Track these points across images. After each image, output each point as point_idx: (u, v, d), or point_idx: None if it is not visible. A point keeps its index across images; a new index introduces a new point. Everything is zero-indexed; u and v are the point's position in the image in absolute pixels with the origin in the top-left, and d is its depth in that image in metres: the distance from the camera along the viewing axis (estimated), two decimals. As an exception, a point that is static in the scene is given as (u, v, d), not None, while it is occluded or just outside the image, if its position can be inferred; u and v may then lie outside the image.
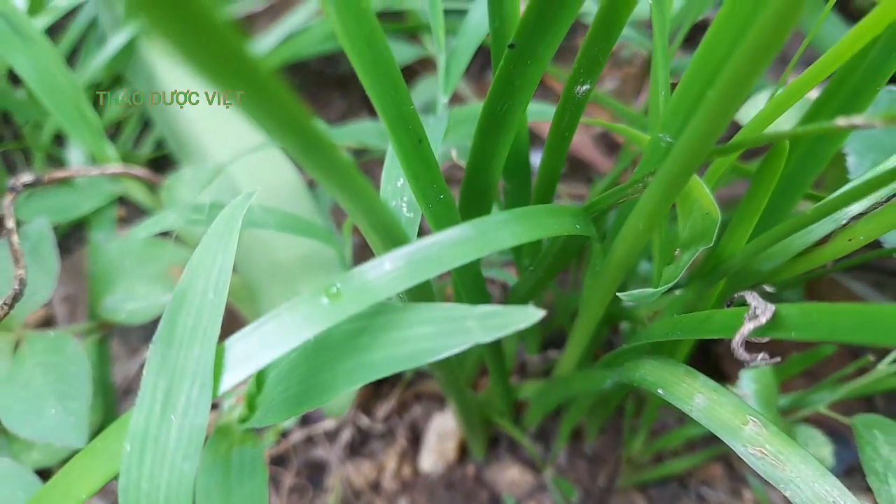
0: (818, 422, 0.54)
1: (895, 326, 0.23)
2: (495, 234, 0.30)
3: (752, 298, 0.28)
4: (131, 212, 0.76)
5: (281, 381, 0.32)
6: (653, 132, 0.34)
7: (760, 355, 0.30)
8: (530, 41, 0.32)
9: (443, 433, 0.64)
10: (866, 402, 0.64)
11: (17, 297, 0.41)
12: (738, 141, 0.31)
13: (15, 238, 0.49)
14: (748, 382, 0.45)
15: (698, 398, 0.33)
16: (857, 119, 0.23)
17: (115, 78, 0.77)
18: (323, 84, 0.89)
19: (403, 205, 0.38)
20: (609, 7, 0.30)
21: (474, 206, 0.44)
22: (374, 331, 0.29)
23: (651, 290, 0.32)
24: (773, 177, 0.33)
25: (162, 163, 0.78)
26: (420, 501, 0.62)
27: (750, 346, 0.30)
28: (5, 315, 0.39)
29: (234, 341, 0.28)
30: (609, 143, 0.79)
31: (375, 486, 0.63)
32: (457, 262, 0.29)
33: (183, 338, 0.28)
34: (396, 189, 0.38)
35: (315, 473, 0.63)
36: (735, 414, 0.33)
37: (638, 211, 0.32)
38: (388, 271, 0.28)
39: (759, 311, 0.27)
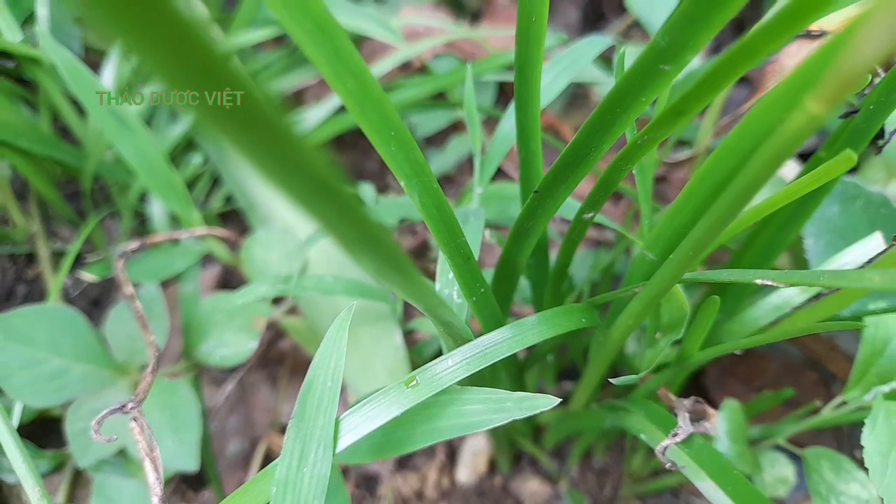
0: (800, 443, 0.65)
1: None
2: (526, 334, 0.42)
3: (681, 417, 0.40)
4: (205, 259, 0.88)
5: (370, 435, 0.44)
6: (638, 253, 0.46)
7: (670, 463, 0.41)
8: (551, 188, 0.44)
9: (475, 450, 0.76)
10: (835, 430, 0.75)
11: (158, 363, 0.53)
12: (705, 279, 0.42)
13: (138, 304, 0.61)
14: (721, 422, 0.56)
15: (665, 442, 0.45)
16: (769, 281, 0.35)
17: (188, 142, 0.89)
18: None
19: (454, 293, 0.50)
20: (607, 175, 0.41)
21: (507, 279, 0.56)
22: (441, 406, 0.41)
23: (635, 376, 0.44)
24: (710, 318, 0.44)
25: (231, 216, 0.90)
26: (457, 507, 0.74)
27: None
28: (153, 379, 0.51)
29: (346, 416, 0.40)
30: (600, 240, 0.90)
31: (419, 495, 0.75)
32: (499, 357, 0.41)
33: (311, 413, 0.40)
34: (448, 280, 0.50)
35: (369, 484, 0.76)
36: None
37: (628, 311, 0.44)
38: (450, 367, 0.40)
39: (681, 431, 0.39)
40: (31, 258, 0.87)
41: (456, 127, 0.95)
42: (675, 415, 0.45)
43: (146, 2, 0.13)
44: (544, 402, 0.38)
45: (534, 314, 0.45)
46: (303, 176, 0.20)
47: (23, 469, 0.55)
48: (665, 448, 0.40)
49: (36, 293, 0.86)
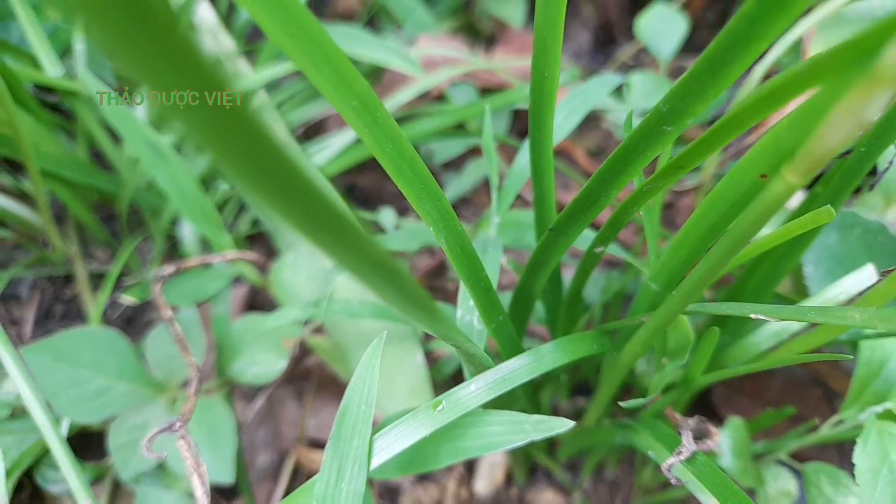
0: (806, 457, 0.68)
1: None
2: (543, 360, 0.46)
3: (685, 436, 0.44)
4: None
5: (400, 453, 0.48)
6: (645, 280, 0.50)
7: (675, 479, 0.45)
8: (564, 226, 0.47)
9: (493, 463, 0.80)
10: (839, 445, 0.78)
11: (200, 384, 0.57)
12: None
13: (178, 328, 0.65)
14: (725, 439, 0.60)
15: (671, 460, 0.49)
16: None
17: (217, 169, 0.94)
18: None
19: (474, 319, 0.53)
20: (616, 216, 0.45)
21: (523, 305, 0.59)
22: (464, 427, 0.45)
23: (642, 399, 0.48)
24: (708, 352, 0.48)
25: (258, 238, 0.95)
26: (475, 517, 0.78)
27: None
28: (196, 400, 0.55)
29: (378, 437, 0.44)
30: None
31: (439, 505, 0.79)
32: (518, 382, 0.45)
33: (347, 435, 0.43)
34: (469, 307, 0.54)
35: (392, 495, 0.79)
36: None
37: (636, 339, 0.48)
38: (472, 392, 0.44)
39: (685, 450, 0.42)
40: (67, 279, 0.92)
41: (473, 152, 0.99)
42: (680, 434, 0.48)
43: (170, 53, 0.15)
44: (559, 425, 0.42)
45: (550, 341, 0.48)
46: (320, 221, 0.22)
47: (75, 481, 0.59)
48: (670, 466, 0.43)
49: (73, 312, 0.91)
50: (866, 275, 0.52)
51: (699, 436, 0.49)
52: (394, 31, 1.09)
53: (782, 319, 0.36)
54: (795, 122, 0.30)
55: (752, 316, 0.37)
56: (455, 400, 0.44)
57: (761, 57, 0.68)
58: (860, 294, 0.49)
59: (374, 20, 1.15)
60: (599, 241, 0.49)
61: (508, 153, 1.02)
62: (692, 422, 0.49)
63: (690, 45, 1.23)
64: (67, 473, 0.61)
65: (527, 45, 1.10)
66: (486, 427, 0.45)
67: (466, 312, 0.54)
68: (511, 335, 0.53)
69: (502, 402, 0.50)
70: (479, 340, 0.52)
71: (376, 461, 0.43)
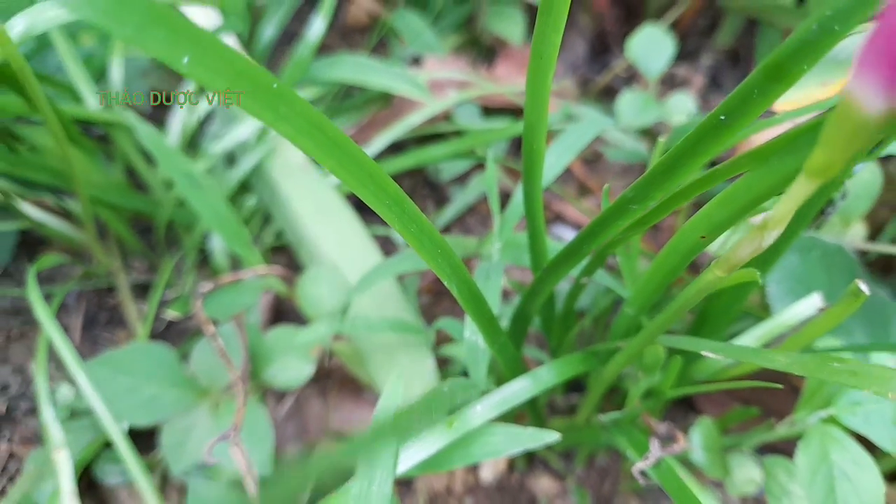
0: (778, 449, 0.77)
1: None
2: (539, 381, 0.55)
3: (653, 444, 0.53)
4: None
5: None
6: (623, 306, 0.58)
7: (643, 481, 0.54)
8: (556, 266, 0.56)
9: (496, 453, 0.90)
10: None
11: (246, 397, 0.66)
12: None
13: (221, 342, 0.74)
14: (696, 436, 0.69)
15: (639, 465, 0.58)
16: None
17: (243, 186, 1.02)
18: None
19: (479, 340, 0.62)
20: (597, 257, 0.53)
21: (521, 322, 0.68)
22: (472, 438, 0.54)
23: (620, 412, 0.57)
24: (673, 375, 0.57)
25: (281, 250, 1.03)
26: (482, 501, 0.88)
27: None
28: (244, 412, 0.65)
29: (403, 449, 0.53)
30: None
31: (449, 490, 0.89)
32: (519, 402, 0.54)
33: (377, 448, 0.53)
34: (475, 330, 0.63)
35: (407, 482, 0.89)
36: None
37: (615, 361, 0.57)
38: (479, 412, 0.53)
39: (651, 456, 0.52)
40: (110, 290, 1.01)
41: (477, 167, 1.07)
42: (650, 440, 0.58)
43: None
44: (550, 437, 0.51)
45: (546, 358, 0.57)
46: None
47: (138, 474, 0.69)
48: (639, 469, 0.53)
49: (116, 319, 1.00)
50: (813, 302, 0.60)
51: (669, 439, 0.58)
52: (401, 48, 1.16)
53: (726, 356, 0.45)
54: (724, 201, 0.39)
55: (703, 353, 0.46)
56: (464, 419, 0.53)
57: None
58: (805, 322, 0.58)
59: (384, 38, 1.22)
60: (584, 274, 0.58)
61: (506, 172, 1.10)
62: (663, 427, 0.59)
63: (684, 52, 1.31)
64: (132, 467, 0.71)
65: (525, 61, 1.17)
66: (490, 437, 0.54)
67: (473, 334, 0.63)
68: (512, 353, 0.62)
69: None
70: (483, 358, 0.61)
71: (401, 468, 0.53)
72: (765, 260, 0.65)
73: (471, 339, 0.62)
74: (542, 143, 0.52)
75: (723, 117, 0.36)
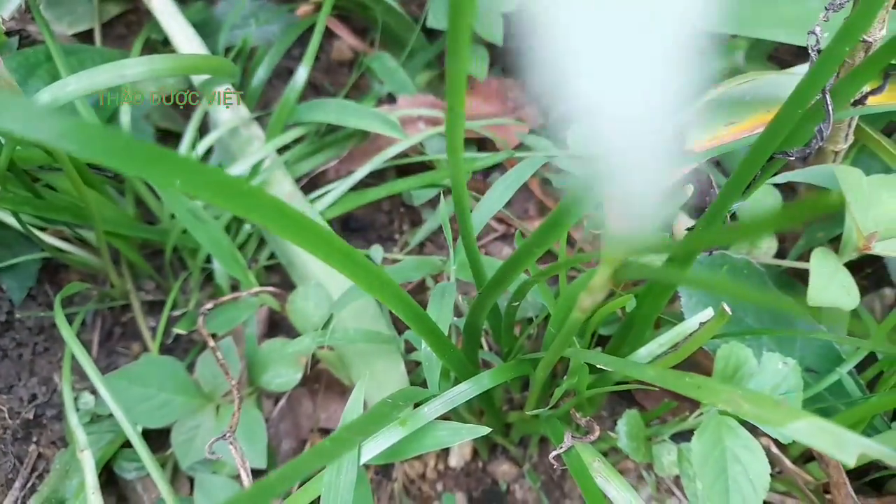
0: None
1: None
2: (480, 384, 0.66)
3: (567, 437, 0.63)
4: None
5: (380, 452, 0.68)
6: (549, 326, 0.69)
7: (559, 465, 0.64)
8: (489, 291, 0.66)
9: (462, 444, 1.00)
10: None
11: (241, 402, 0.77)
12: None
13: (220, 356, 0.85)
14: (621, 426, 0.79)
15: (554, 452, 0.68)
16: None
17: (239, 212, 1.13)
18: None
19: (433, 353, 0.73)
20: (518, 290, 0.64)
21: (473, 331, 0.79)
22: (423, 433, 0.65)
23: (547, 409, 0.67)
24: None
25: (275, 268, 1.14)
26: (450, 485, 0.98)
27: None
28: (240, 414, 0.75)
29: (365, 443, 0.64)
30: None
31: (423, 476, 0.99)
32: (461, 402, 0.64)
33: (343, 443, 0.63)
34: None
35: (386, 470, 1.00)
36: (590, 456, 0.68)
37: (541, 364, 0.67)
38: (427, 413, 0.64)
39: (564, 446, 0.62)
40: (123, 308, 1.12)
41: (447, 191, 1.18)
42: (578, 427, 0.68)
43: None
44: (482, 430, 0.62)
45: (486, 371, 0.68)
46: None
47: (153, 468, 0.80)
48: (553, 456, 0.63)
49: (129, 334, 1.11)
50: (707, 313, 0.71)
51: (587, 430, 0.68)
52: (379, 86, 1.26)
53: (614, 370, 0.55)
54: (581, 283, 0.49)
55: (596, 364, 0.56)
56: (416, 417, 0.64)
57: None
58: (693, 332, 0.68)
59: (364, 74, 1.32)
60: (515, 299, 0.68)
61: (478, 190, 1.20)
62: (584, 421, 0.69)
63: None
64: (147, 463, 0.81)
65: (490, 94, 1.28)
66: (437, 432, 0.64)
67: (426, 348, 0.73)
68: (462, 361, 0.73)
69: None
70: (436, 367, 0.72)
71: (363, 459, 0.63)
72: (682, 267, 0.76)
73: (426, 351, 0.73)
74: (464, 194, 0.62)
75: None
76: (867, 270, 1.08)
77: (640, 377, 0.52)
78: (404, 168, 1.21)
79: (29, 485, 0.94)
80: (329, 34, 1.39)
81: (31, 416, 0.99)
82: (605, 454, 0.98)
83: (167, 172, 0.35)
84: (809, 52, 0.56)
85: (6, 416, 0.98)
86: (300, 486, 0.64)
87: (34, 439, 0.99)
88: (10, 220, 0.93)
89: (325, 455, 0.58)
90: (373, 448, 0.63)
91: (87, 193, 0.89)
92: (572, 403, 0.74)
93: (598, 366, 0.56)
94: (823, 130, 0.55)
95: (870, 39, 0.67)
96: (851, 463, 0.39)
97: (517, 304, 0.68)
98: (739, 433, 0.71)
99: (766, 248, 0.94)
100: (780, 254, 1.02)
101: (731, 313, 0.56)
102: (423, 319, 0.65)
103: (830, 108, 0.54)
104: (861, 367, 0.85)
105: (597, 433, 0.67)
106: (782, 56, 1.19)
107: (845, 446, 0.40)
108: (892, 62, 0.61)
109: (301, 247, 0.46)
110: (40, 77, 1.05)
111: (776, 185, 0.93)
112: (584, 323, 0.68)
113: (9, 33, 1.15)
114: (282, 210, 0.43)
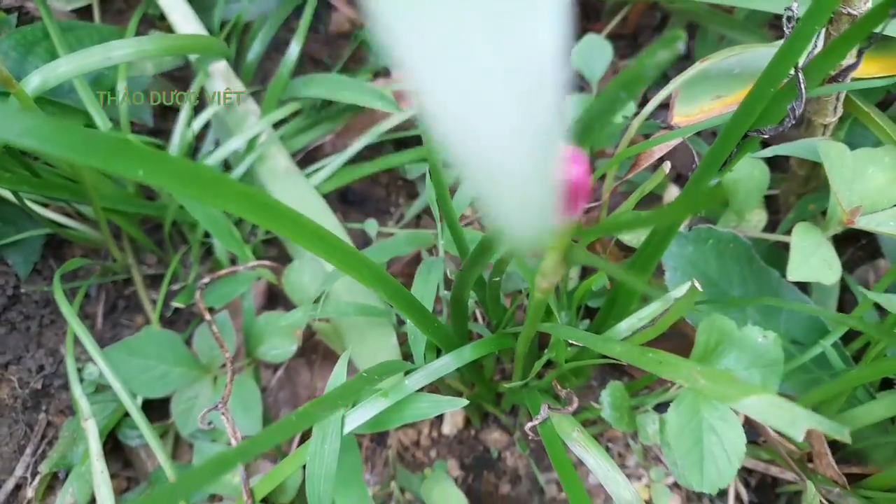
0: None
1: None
2: (461, 357, 0.67)
3: (543, 409, 0.64)
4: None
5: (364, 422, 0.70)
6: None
7: (532, 436, 0.66)
8: (469, 266, 0.67)
9: (454, 412, 1.02)
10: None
11: (233, 374, 0.79)
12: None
13: (215, 328, 0.87)
14: (605, 397, 0.81)
15: (529, 424, 0.70)
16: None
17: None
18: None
19: (417, 329, 0.74)
20: (497, 265, 0.65)
21: (460, 304, 0.80)
22: (405, 404, 0.67)
23: (519, 382, 0.69)
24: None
25: (272, 241, 1.16)
26: (443, 452, 1.01)
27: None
28: (232, 385, 0.77)
29: (349, 414, 0.65)
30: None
31: (417, 443, 1.02)
32: (441, 375, 0.66)
33: (327, 414, 0.65)
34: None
35: (381, 438, 1.02)
36: (569, 426, 0.69)
37: (520, 339, 0.69)
38: (409, 385, 0.65)
39: (539, 418, 0.64)
40: (126, 281, 1.14)
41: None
42: (559, 398, 0.70)
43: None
44: (460, 402, 0.64)
45: (469, 344, 0.69)
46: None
47: (151, 438, 0.82)
48: (529, 427, 0.65)
49: (132, 306, 1.13)
50: (685, 287, 0.71)
51: (567, 401, 0.70)
52: (375, 57, 1.26)
53: (586, 345, 0.57)
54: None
55: (570, 341, 0.57)
56: (399, 388, 0.66)
57: (638, 112, 0.86)
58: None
59: (362, 46, 1.32)
60: (494, 275, 0.69)
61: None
62: (563, 393, 0.71)
63: (633, 49, 1.39)
64: (146, 433, 0.84)
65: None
66: (418, 404, 0.66)
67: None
68: (447, 334, 0.74)
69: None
70: (420, 341, 0.73)
71: (347, 429, 0.65)
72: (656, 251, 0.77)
73: (412, 326, 0.74)
74: (440, 172, 0.63)
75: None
76: (862, 242, 1.07)
77: (608, 353, 0.53)
78: (402, 141, 1.21)
79: (39, 451, 0.98)
80: (328, 5, 1.39)
81: (39, 386, 1.02)
82: (593, 423, 1.00)
83: (129, 163, 0.36)
84: (784, 28, 0.56)
85: (16, 385, 1.02)
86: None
87: (43, 408, 1.02)
88: (13, 197, 0.95)
89: (308, 418, 0.60)
90: (357, 418, 0.65)
91: (83, 171, 0.91)
92: (554, 375, 0.76)
93: (573, 343, 0.57)
94: (796, 108, 0.55)
95: (855, 13, 0.66)
96: (799, 438, 0.40)
97: (498, 279, 0.69)
98: (717, 405, 0.72)
99: (756, 221, 0.94)
100: (773, 226, 1.02)
101: (700, 290, 0.56)
102: (405, 296, 0.66)
103: (803, 85, 0.54)
104: (849, 338, 0.85)
105: (575, 404, 0.68)
106: (779, 24, 1.17)
107: (795, 422, 0.41)
108: (870, 37, 0.60)
109: (273, 230, 0.47)
110: (38, 55, 1.06)
111: (765, 159, 0.92)
112: (569, 297, 0.69)
113: (8, 10, 1.16)
114: (248, 195, 0.44)
